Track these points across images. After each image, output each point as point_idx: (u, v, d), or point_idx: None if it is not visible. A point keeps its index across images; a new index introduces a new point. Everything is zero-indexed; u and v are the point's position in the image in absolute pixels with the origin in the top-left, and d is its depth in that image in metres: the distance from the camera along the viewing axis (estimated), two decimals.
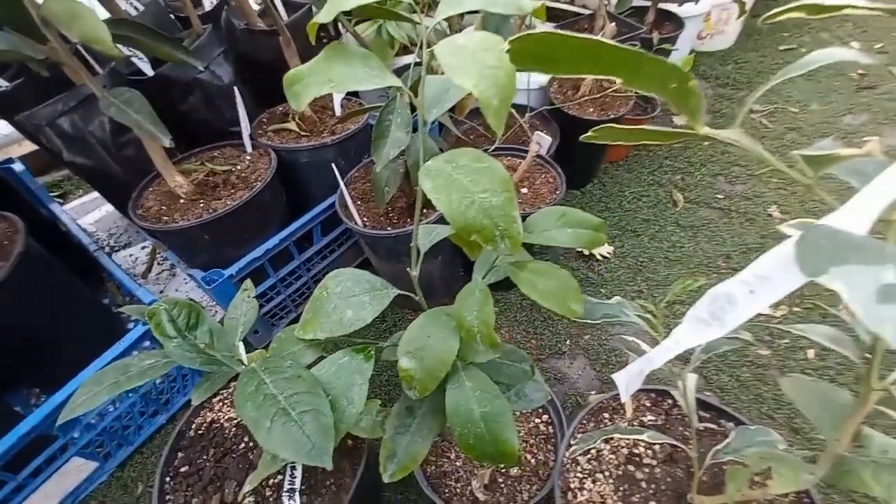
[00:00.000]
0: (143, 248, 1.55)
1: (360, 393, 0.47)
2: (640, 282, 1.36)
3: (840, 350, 0.47)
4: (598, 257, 1.42)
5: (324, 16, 0.45)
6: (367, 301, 0.50)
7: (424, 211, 1.09)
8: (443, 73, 0.51)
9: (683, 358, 0.66)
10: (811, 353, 1.15)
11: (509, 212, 0.42)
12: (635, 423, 0.79)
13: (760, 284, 0.39)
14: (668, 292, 0.54)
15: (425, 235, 0.57)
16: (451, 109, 1.29)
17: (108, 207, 1.71)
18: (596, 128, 0.40)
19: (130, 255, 1.54)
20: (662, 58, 0.29)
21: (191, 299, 0.86)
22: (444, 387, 0.52)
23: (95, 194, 1.78)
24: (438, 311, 0.51)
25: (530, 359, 0.64)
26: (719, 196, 1.62)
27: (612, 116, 1.38)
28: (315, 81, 0.45)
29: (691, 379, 0.63)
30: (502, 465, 0.88)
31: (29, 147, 1.89)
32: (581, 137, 0.43)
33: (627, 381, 0.55)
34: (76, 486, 1.00)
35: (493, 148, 1.30)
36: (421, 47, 0.46)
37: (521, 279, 0.47)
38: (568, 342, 1.24)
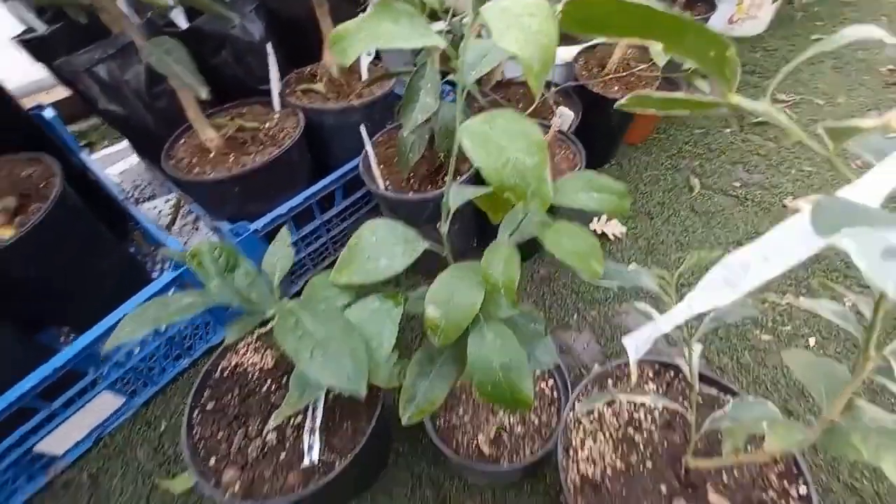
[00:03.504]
0: (167, 200, 1.59)
1: (390, 336, 0.51)
2: (650, 263, 1.39)
3: (843, 325, 0.49)
4: (611, 237, 1.45)
5: None
6: (401, 251, 0.53)
7: (445, 180, 1.11)
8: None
9: (692, 326, 0.69)
10: (812, 341, 1.18)
11: (541, 173, 0.45)
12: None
13: (774, 252, 0.42)
14: (684, 263, 0.57)
15: (456, 196, 0.59)
16: (478, 81, 1.29)
17: (134, 159, 1.74)
18: (630, 94, 0.42)
19: (154, 208, 1.58)
20: (703, 25, 0.31)
21: None
22: (466, 337, 0.55)
23: (121, 145, 1.82)
24: (465, 265, 0.54)
25: (544, 321, 0.67)
26: (736, 184, 1.63)
27: None
28: (362, 38, 0.47)
29: (697, 347, 0.66)
30: (515, 411, 0.93)
31: (56, 95, 1.92)
32: (616, 105, 0.45)
33: (637, 343, 0.58)
34: (104, 419, 1.07)
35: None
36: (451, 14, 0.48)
37: (547, 238, 0.49)
38: (575, 316, 1.28)
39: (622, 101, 0.44)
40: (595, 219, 1.47)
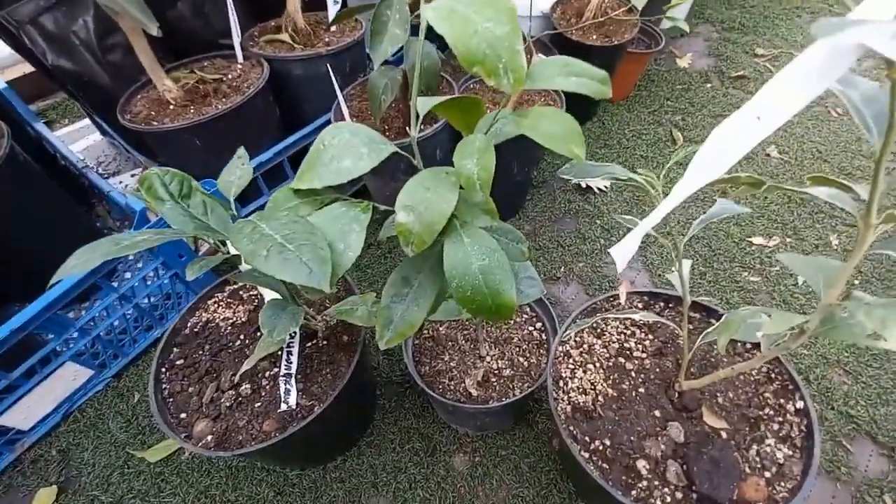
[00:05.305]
0: (133, 175, 1.52)
1: (357, 239, 0.47)
2: (635, 214, 1.36)
3: (840, 204, 0.47)
4: (595, 190, 1.42)
5: None
6: (366, 152, 0.48)
7: (422, 128, 1.07)
8: None
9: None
10: (801, 280, 1.16)
11: (513, 44, 0.41)
12: (626, 322, 0.80)
13: (767, 108, 0.38)
14: (671, 159, 0.53)
15: (423, 104, 0.55)
16: None
17: (96, 136, 1.66)
18: None
19: (120, 182, 1.51)
20: None
21: None
22: (442, 252, 0.51)
23: (82, 123, 1.73)
24: (436, 168, 0.50)
25: (526, 241, 0.64)
26: None
27: (615, 43, 1.34)
28: None
29: (686, 264, 0.63)
30: (498, 323, 0.89)
31: (11, 74, 1.82)
32: None
33: (624, 250, 0.55)
34: (71, 392, 1.01)
35: None
36: None
37: (524, 125, 0.46)
38: (562, 269, 1.25)
39: None
40: None
